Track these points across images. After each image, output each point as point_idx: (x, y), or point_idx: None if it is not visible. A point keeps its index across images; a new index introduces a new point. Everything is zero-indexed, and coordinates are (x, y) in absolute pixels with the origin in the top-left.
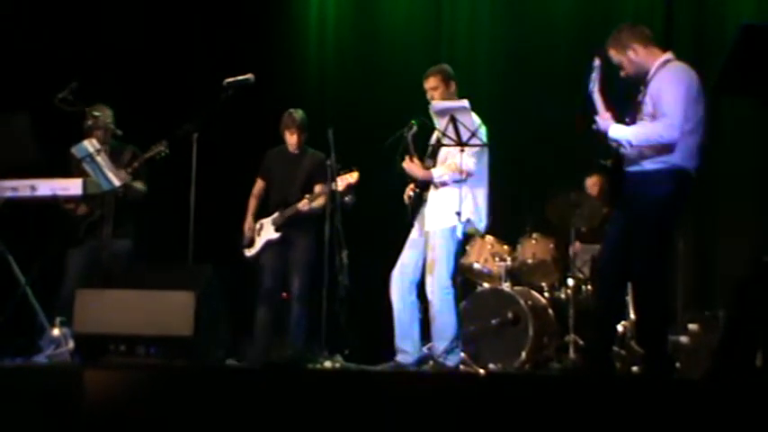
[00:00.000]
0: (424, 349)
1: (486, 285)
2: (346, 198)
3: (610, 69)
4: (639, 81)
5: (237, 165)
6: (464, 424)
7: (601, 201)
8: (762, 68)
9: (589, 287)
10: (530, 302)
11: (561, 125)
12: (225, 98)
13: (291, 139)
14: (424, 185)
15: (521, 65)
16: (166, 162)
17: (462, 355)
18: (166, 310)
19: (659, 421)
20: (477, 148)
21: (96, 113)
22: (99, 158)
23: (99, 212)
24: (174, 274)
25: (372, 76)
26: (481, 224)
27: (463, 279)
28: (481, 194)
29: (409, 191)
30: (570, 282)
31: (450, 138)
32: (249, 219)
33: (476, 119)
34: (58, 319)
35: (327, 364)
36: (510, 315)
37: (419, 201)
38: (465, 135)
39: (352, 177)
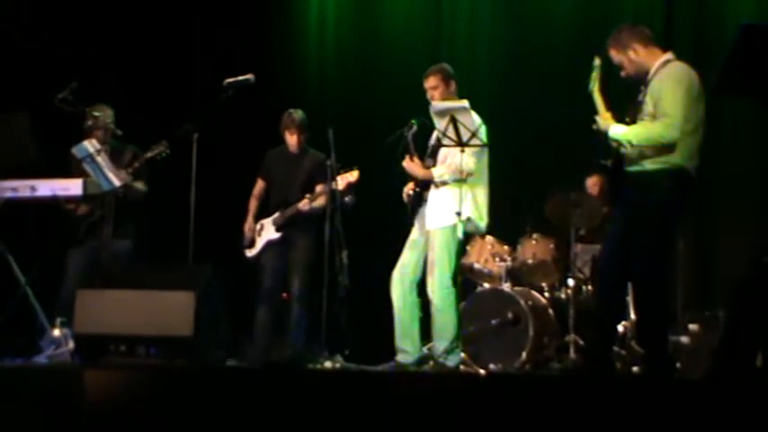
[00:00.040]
0: (425, 349)
1: (486, 285)
2: (346, 198)
3: (610, 69)
4: (640, 81)
5: (237, 165)
6: (464, 424)
7: (601, 201)
8: (762, 68)
9: (589, 287)
10: (530, 303)
11: (561, 125)
12: (225, 98)
13: (291, 140)
14: (425, 185)
15: (521, 65)
16: (166, 162)
17: (462, 355)
18: (166, 311)
19: (659, 421)
20: (477, 148)
21: (96, 113)
22: (99, 159)
23: (99, 213)
24: (174, 275)
25: (372, 76)
26: (482, 223)
27: (463, 279)
28: (481, 193)
29: (408, 189)
30: (570, 282)
31: (450, 138)
32: (250, 219)
33: (476, 118)
34: (58, 320)
35: (327, 364)
36: (510, 315)
37: (419, 200)
38: (465, 135)
39: (353, 176)
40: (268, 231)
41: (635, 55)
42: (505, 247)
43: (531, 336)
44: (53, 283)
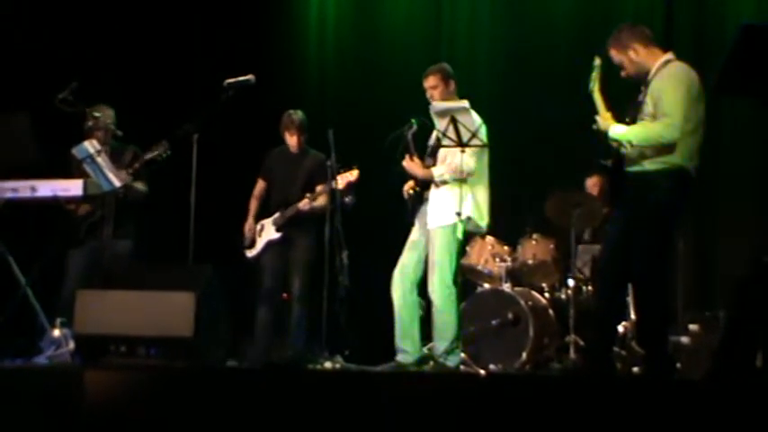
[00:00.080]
0: (425, 349)
1: (486, 286)
2: (346, 199)
3: (610, 69)
4: (640, 81)
5: (237, 165)
6: (464, 424)
7: (601, 201)
8: (762, 68)
9: (589, 288)
10: (530, 303)
11: (561, 125)
12: (225, 99)
13: (291, 140)
14: (425, 184)
15: (521, 65)
16: (166, 162)
17: (463, 355)
18: (167, 311)
19: (660, 422)
20: (477, 148)
21: (97, 114)
22: (99, 159)
23: (99, 213)
24: (174, 275)
25: (372, 76)
26: (483, 222)
27: (464, 279)
28: (482, 193)
29: (408, 188)
30: (571, 282)
31: (450, 138)
32: (250, 220)
33: (476, 118)
34: (58, 320)
35: (328, 364)
36: (510, 316)
37: (419, 200)
38: (465, 136)
39: (353, 175)
40: (268, 231)
41: (635, 55)
42: (505, 248)
43: (532, 336)
44: (53, 283)
